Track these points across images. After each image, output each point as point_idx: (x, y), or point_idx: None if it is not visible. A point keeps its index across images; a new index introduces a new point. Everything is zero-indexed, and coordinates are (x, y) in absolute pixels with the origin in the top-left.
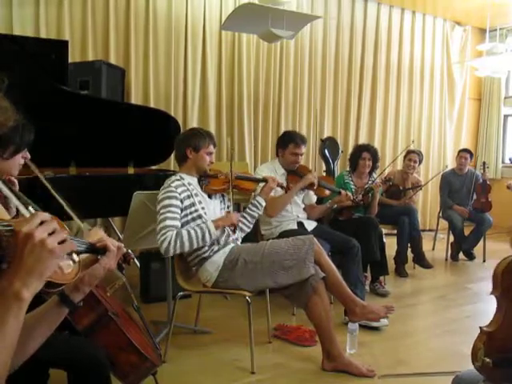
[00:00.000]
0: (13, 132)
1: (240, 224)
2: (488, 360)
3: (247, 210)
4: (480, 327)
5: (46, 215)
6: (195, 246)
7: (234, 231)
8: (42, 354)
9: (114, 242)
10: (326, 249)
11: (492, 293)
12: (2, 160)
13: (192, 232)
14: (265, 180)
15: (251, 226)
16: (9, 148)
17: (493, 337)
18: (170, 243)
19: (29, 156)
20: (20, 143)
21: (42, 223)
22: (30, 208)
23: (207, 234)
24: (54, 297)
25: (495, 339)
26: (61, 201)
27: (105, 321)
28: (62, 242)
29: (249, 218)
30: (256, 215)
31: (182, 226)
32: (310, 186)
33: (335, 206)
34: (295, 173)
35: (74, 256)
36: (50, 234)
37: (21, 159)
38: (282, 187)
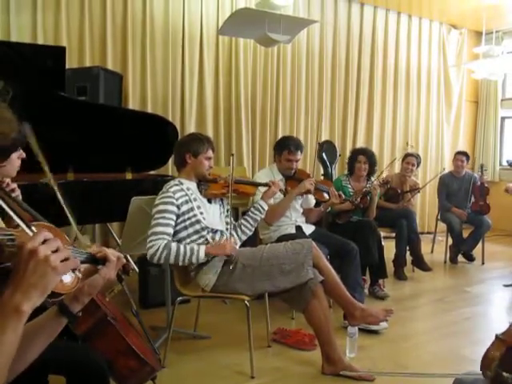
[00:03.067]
0: (15, 142)
1: (242, 227)
2: (507, 375)
3: (249, 213)
4: (496, 335)
5: (49, 234)
6: (180, 263)
7: (228, 261)
8: (41, 360)
9: (114, 253)
10: (325, 253)
11: None
12: (3, 167)
13: (181, 249)
14: (267, 184)
15: (253, 228)
16: (8, 154)
17: None
18: (156, 251)
19: (24, 155)
20: (15, 145)
21: (45, 241)
22: (33, 227)
23: (194, 257)
24: (53, 307)
25: None
26: (66, 209)
27: (104, 325)
28: (65, 260)
29: (251, 221)
30: (258, 218)
31: (180, 230)
32: (307, 192)
33: (329, 208)
34: (294, 178)
35: (78, 273)
36: (53, 252)
37: (17, 160)
38: (282, 192)
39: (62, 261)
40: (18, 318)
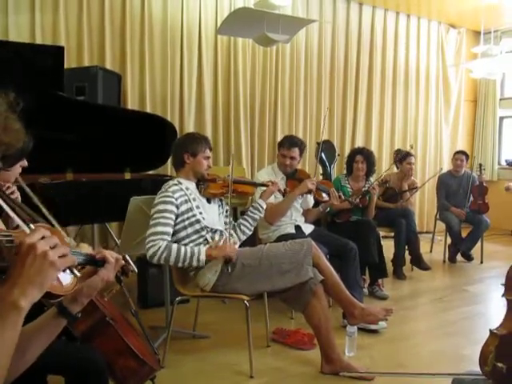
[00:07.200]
0: (20, 151)
1: (242, 226)
2: (501, 365)
3: (248, 212)
4: (490, 330)
5: (46, 232)
6: (180, 264)
7: (227, 263)
8: (40, 361)
9: (113, 254)
10: (324, 252)
11: (504, 295)
12: (5, 171)
13: (182, 250)
14: (265, 184)
15: (252, 228)
16: (13, 163)
17: (506, 340)
18: (157, 252)
19: (26, 164)
20: (21, 156)
21: (43, 238)
22: (31, 225)
23: (195, 259)
24: (52, 308)
25: (509, 343)
26: (44, 210)
27: (102, 326)
28: (62, 256)
29: (250, 221)
30: (257, 217)
31: (180, 230)
32: (309, 192)
33: (328, 208)
34: (294, 178)
35: (76, 271)
36: (51, 248)
37: (19, 167)
38: (281, 193)
39: (59, 257)
40: (17, 314)
